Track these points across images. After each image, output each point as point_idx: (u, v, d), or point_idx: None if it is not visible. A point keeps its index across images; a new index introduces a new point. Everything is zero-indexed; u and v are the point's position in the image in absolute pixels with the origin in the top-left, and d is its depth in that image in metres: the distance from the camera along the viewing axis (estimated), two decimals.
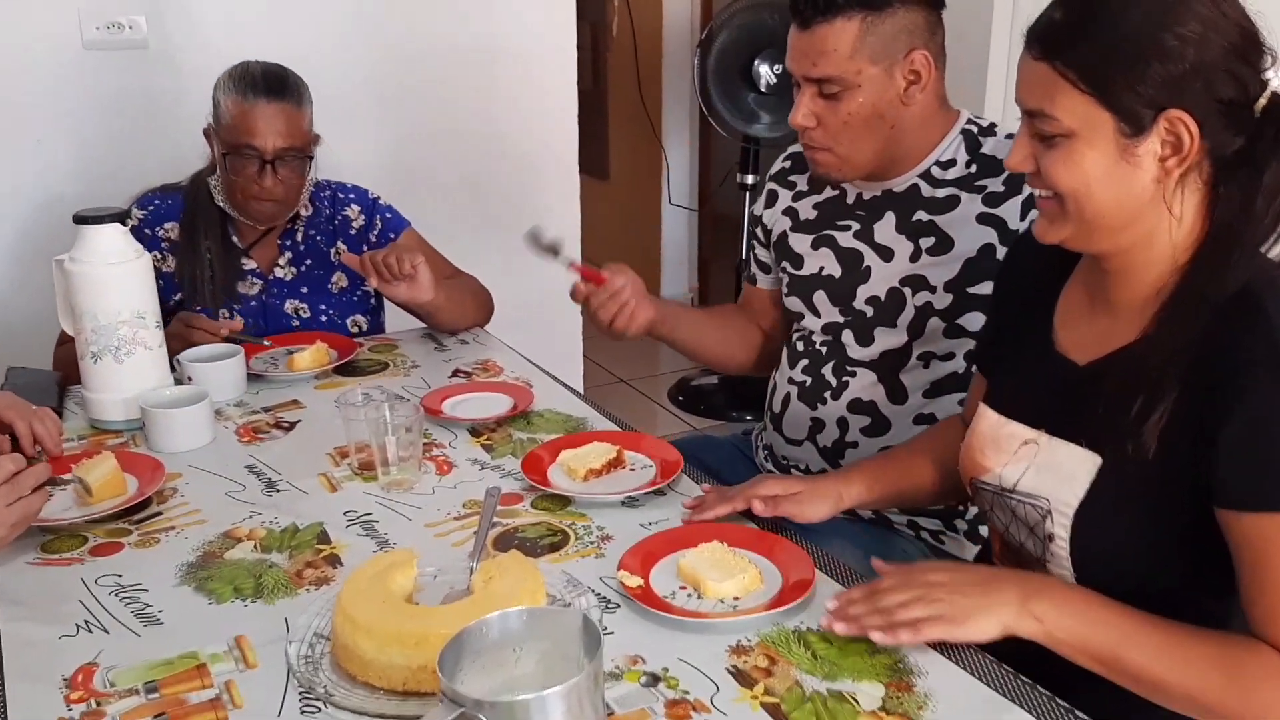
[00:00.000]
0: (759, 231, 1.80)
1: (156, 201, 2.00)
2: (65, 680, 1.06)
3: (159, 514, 1.41)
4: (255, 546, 1.32)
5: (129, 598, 1.21)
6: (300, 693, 1.04)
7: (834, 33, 1.46)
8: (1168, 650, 1.02)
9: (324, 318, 2.06)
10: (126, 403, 1.62)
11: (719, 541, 1.25)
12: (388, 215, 2.11)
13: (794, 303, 1.72)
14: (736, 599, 1.17)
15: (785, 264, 1.73)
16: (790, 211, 1.73)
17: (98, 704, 1.03)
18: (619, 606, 1.18)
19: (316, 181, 2.06)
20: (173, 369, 1.74)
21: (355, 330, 2.10)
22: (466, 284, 2.10)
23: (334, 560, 1.29)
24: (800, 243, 1.70)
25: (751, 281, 1.86)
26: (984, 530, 1.62)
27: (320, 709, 1.02)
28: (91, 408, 1.66)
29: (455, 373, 1.90)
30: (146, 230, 1.97)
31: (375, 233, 2.08)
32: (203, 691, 1.05)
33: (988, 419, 1.26)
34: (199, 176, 2.00)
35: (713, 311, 1.97)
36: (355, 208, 2.09)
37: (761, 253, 1.81)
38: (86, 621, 1.16)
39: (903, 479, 1.42)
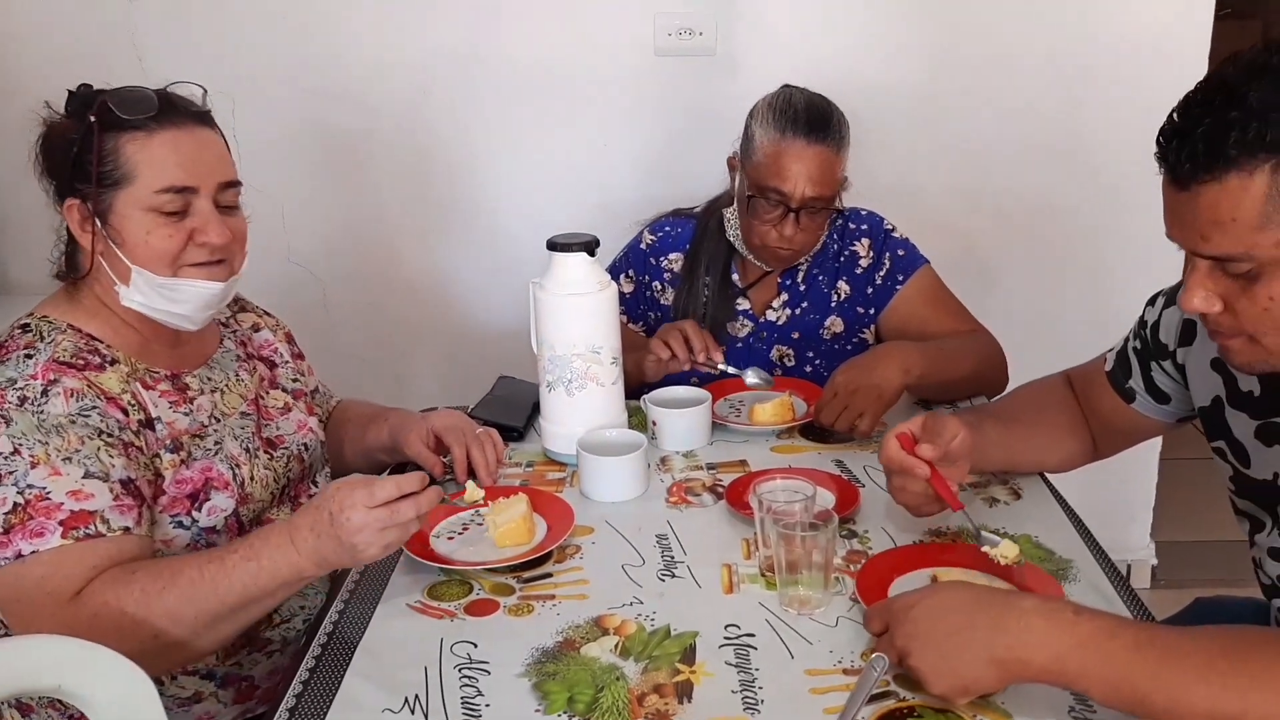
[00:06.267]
0: (1153, 348, 1.31)
1: (668, 228, 1.90)
2: None
3: (549, 575, 1.31)
4: (617, 646, 1.15)
5: (468, 679, 1.11)
6: None
7: (1227, 195, 0.93)
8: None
9: (809, 367, 1.83)
10: (571, 438, 1.55)
11: None
12: (899, 253, 1.81)
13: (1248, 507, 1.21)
14: None
15: (1220, 443, 1.21)
16: (1220, 367, 1.19)
17: None
18: None
19: None
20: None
21: None
22: (969, 346, 1.74)
23: (685, 691, 1.08)
24: (1243, 426, 1.17)
25: (1128, 398, 1.36)
26: None
27: None
28: (543, 436, 1.62)
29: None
30: (652, 259, 1.89)
31: (882, 274, 1.80)
32: None
33: None
34: (714, 205, 1.87)
35: (1023, 419, 1.46)
36: (865, 242, 1.83)
37: (1163, 379, 1.31)
38: (418, 698, 1.08)
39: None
